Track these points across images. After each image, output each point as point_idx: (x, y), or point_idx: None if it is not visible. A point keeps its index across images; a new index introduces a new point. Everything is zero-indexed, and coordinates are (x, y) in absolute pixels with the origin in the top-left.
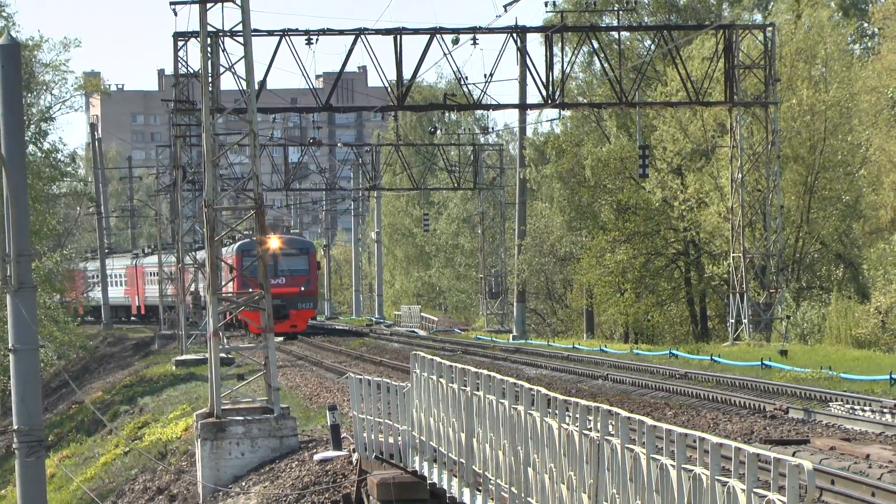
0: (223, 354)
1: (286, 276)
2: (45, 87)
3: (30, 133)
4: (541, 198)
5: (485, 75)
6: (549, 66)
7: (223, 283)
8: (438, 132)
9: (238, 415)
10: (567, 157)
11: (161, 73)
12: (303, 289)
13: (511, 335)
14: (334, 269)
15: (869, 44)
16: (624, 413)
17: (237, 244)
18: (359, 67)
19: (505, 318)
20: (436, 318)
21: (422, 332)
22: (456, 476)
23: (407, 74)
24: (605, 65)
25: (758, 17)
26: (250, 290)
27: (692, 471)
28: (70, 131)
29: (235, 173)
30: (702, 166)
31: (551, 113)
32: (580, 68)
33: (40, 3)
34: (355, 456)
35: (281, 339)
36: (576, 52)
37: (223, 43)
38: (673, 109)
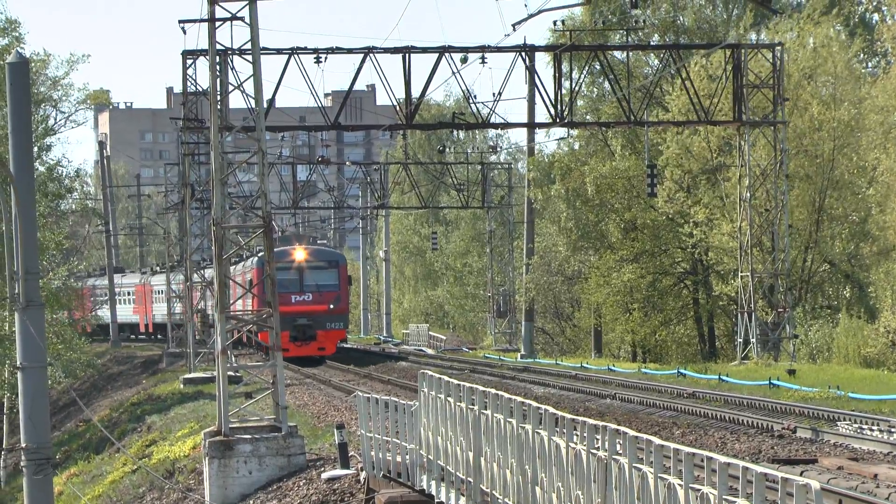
0: (231, 373)
1: (313, 291)
2: (52, 104)
3: (35, 149)
4: (548, 217)
5: (493, 94)
6: (558, 85)
7: (232, 301)
8: (447, 150)
9: (246, 433)
10: (573, 177)
11: (170, 91)
12: (332, 306)
13: (519, 354)
14: None
15: (879, 62)
16: (631, 432)
17: (257, 257)
18: (367, 86)
19: (513, 337)
20: (444, 337)
21: (430, 351)
22: (463, 495)
23: (416, 93)
24: (613, 84)
25: (762, 37)
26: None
27: (700, 490)
28: (79, 149)
29: (244, 191)
30: (711, 185)
31: (560, 132)
32: (587, 87)
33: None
34: (363, 474)
35: (301, 364)
36: (583, 71)
37: (232, 61)
38: (674, 130)
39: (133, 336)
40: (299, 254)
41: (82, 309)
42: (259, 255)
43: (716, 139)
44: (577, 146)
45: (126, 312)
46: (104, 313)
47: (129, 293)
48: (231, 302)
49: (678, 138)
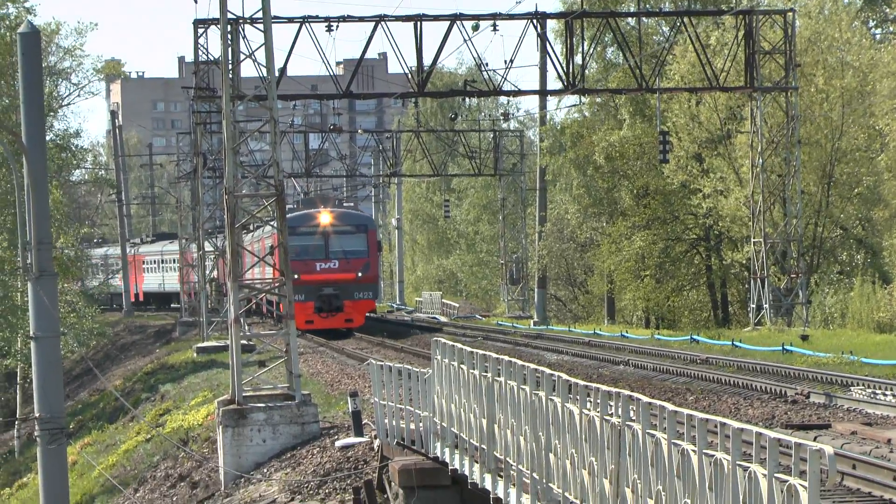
0: (244, 341)
1: (339, 258)
2: (63, 75)
3: (49, 120)
4: (560, 185)
5: (505, 61)
6: (570, 53)
7: (245, 269)
8: (459, 118)
9: (259, 402)
10: (584, 144)
11: (181, 60)
12: (360, 274)
13: (532, 321)
14: None
15: (892, 28)
16: (645, 398)
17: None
18: (379, 54)
19: (526, 304)
20: (457, 305)
21: (443, 319)
22: (477, 462)
23: (427, 61)
24: (625, 51)
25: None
26: (296, 276)
27: (713, 456)
28: (91, 119)
29: (256, 160)
30: (719, 153)
31: (571, 99)
32: (598, 55)
33: None
34: (377, 442)
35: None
36: (595, 38)
37: (243, 30)
38: (681, 98)
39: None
40: (324, 217)
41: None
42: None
43: (723, 107)
44: (587, 114)
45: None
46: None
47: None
48: (244, 270)
49: (686, 106)
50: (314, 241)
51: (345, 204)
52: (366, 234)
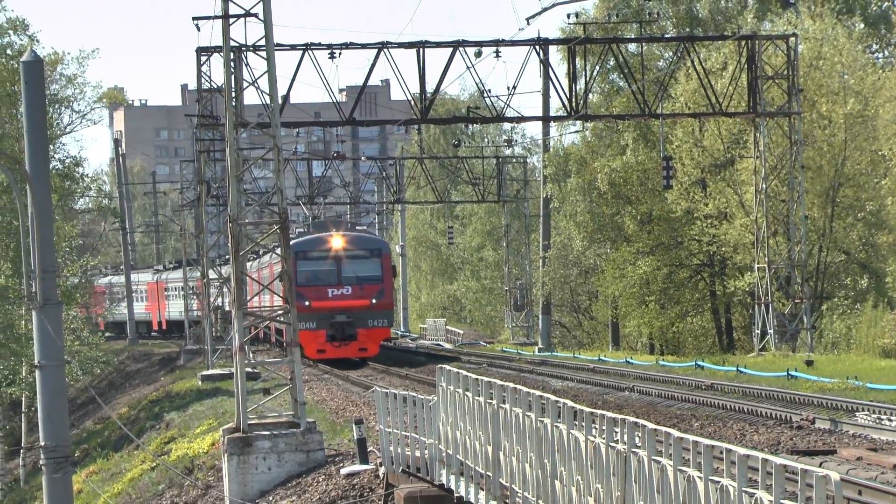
0: (249, 369)
1: (352, 284)
2: (66, 103)
3: (52, 148)
4: (564, 212)
5: (508, 88)
6: (572, 79)
7: (250, 297)
8: (462, 145)
9: (264, 429)
10: (588, 170)
11: (184, 88)
12: (374, 301)
13: (537, 347)
14: None
15: (894, 53)
16: (650, 425)
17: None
18: (382, 81)
19: (530, 331)
20: (461, 331)
21: (447, 345)
22: (483, 489)
23: (430, 87)
24: (627, 77)
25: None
26: (307, 303)
27: (719, 482)
28: (94, 147)
29: (259, 188)
30: (722, 178)
31: (574, 125)
32: (601, 81)
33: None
34: (382, 470)
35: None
36: (597, 64)
37: (246, 57)
38: (684, 125)
39: (146, 333)
40: (336, 241)
41: (98, 306)
42: (291, 243)
43: (727, 132)
44: (590, 139)
45: (139, 310)
46: (121, 310)
47: (142, 291)
48: (249, 298)
49: (690, 131)
50: (326, 266)
51: (357, 227)
52: (380, 259)
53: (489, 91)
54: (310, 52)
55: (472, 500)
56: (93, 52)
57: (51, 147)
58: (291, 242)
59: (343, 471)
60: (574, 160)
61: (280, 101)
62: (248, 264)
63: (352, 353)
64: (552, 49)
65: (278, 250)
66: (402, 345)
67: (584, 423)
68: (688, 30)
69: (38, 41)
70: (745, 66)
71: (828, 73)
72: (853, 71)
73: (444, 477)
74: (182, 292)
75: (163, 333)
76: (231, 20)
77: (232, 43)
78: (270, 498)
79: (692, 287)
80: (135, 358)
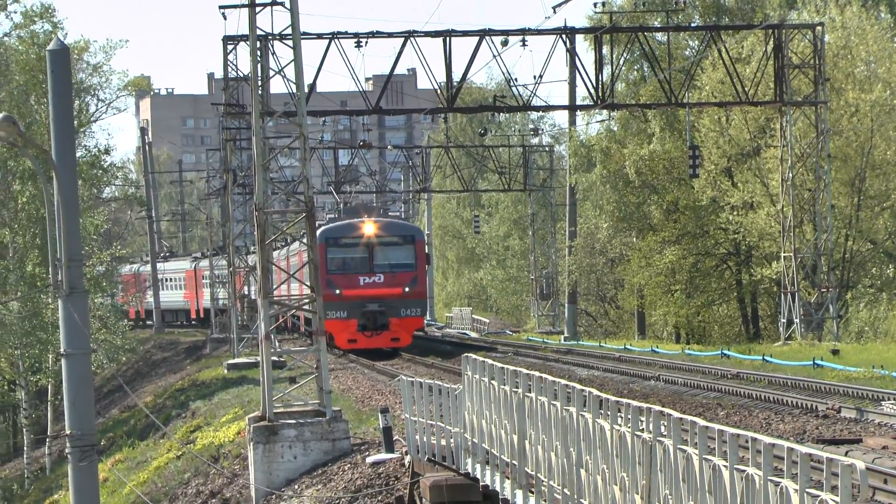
0: (275, 358)
1: (385, 272)
2: (91, 91)
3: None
4: (591, 200)
5: (534, 77)
6: (599, 68)
7: (276, 286)
8: (488, 134)
9: (290, 418)
10: (613, 159)
11: (211, 76)
12: (407, 289)
13: (562, 336)
14: None
15: None
16: (676, 414)
17: (319, 231)
18: (408, 70)
19: (556, 320)
20: (487, 320)
21: (473, 334)
22: (508, 478)
23: (456, 76)
24: (654, 65)
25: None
26: (338, 291)
27: (745, 471)
28: (121, 136)
29: (286, 176)
30: (748, 167)
31: (601, 114)
32: (627, 69)
33: (90, 9)
34: (408, 458)
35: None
36: (623, 53)
37: (272, 46)
38: (710, 114)
39: (185, 322)
40: (369, 227)
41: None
42: (323, 227)
43: (753, 121)
44: (615, 128)
45: (177, 298)
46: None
47: (179, 279)
48: (276, 286)
49: (716, 119)
50: (357, 254)
51: (390, 213)
52: (413, 246)
53: (515, 80)
54: (336, 40)
55: (498, 488)
56: (121, 41)
57: (80, 135)
58: (322, 228)
59: (368, 459)
60: (598, 150)
61: (306, 90)
62: (276, 252)
63: (384, 343)
64: (578, 38)
65: (299, 241)
66: (430, 334)
67: (609, 412)
68: (714, 19)
69: (62, 28)
70: (772, 56)
71: (854, 61)
72: (880, 59)
73: (469, 466)
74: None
75: (201, 322)
76: (257, 9)
77: (258, 31)
78: (296, 486)
79: (718, 276)
80: (161, 346)
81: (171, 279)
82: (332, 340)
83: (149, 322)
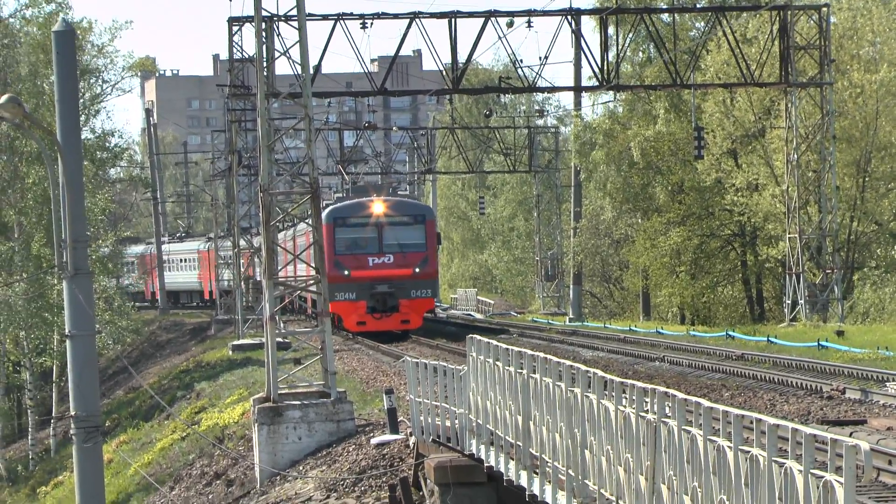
0: (280, 339)
1: (395, 252)
2: (96, 73)
3: (86, 118)
4: (595, 181)
5: (540, 58)
6: (604, 49)
7: (282, 267)
8: (493, 115)
9: (295, 399)
10: (618, 141)
11: (216, 58)
12: (417, 270)
13: (567, 317)
14: None
15: None
16: (680, 395)
17: (327, 210)
18: (413, 51)
19: (561, 301)
20: (492, 302)
21: (478, 316)
22: (513, 459)
23: (462, 57)
24: (660, 47)
25: None
26: (346, 272)
27: (749, 452)
28: (126, 117)
29: (291, 157)
30: (753, 148)
31: (606, 96)
32: (632, 51)
33: None
34: (412, 439)
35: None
36: (629, 34)
37: (278, 27)
38: (715, 95)
39: (200, 303)
40: (377, 206)
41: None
42: (330, 207)
43: (758, 102)
44: (621, 110)
45: (191, 279)
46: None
47: (193, 259)
48: (281, 267)
49: (721, 100)
50: (366, 234)
51: (399, 192)
52: (424, 225)
53: (521, 61)
54: (341, 21)
55: (503, 469)
56: (126, 23)
57: (87, 116)
58: (329, 208)
59: (373, 441)
60: (601, 132)
61: (311, 72)
62: (283, 233)
63: (394, 326)
64: (584, 19)
65: (304, 223)
66: (436, 315)
67: (614, 393)
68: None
69: (70, 8)
70: (777, 36)
71: (860, 42)
72: (887, 40)
73: (474, 447)
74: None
75: (214, 303)
76: None
77: (263, 13)
78: (301, 467)
79: (723, 257)
80: (165, 328)
81: (185, 259)
82: (340, 323)
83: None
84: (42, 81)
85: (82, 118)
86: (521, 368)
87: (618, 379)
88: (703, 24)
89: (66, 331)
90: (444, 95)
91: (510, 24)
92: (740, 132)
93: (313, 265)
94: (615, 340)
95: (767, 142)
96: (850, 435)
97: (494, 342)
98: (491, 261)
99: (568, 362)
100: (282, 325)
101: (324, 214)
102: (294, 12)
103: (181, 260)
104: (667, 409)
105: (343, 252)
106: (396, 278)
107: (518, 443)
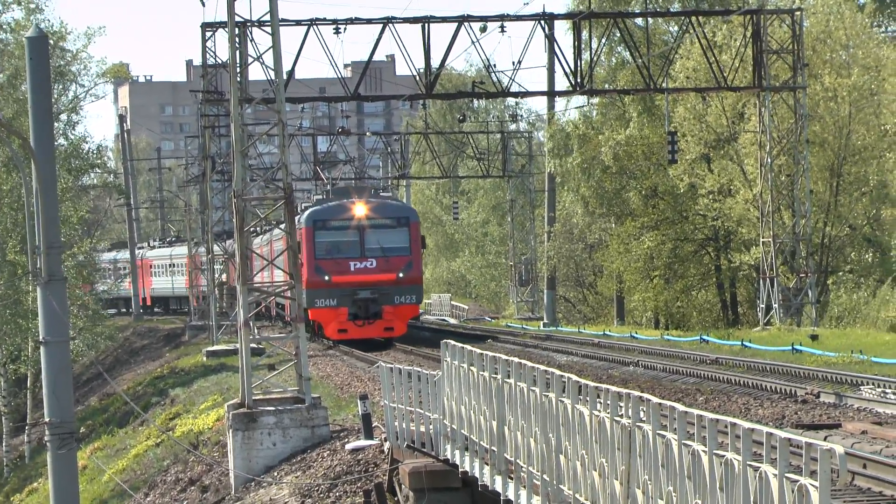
0: (254, 345)
1: (377, 256)
2: (71, 78)
3: (60, 125)
4: (568, 187)
5: (513, 63)
6: (577, 54)
7: (256, 272)
8: (467, 120)
9: (269, 405)
10: (591, 145)
11: (189, 63)
12: (401, 275)
13: (542, 322)
14: None
15: None
16: (655, 399)
17: (306, 213)
18: (387, 56)
19: (535, 306)
20: (466, 307)
21: (452, 321)
22: (488, 464)
23: (435, 62)
24: (633, 51)
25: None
26: (327, 278)
27: (724, 456)
28: (99, 123)
29: (265, 163)
30: (725, 153)
31: (579, 100)
32: (606, 56)
33: None
34: (387, 445)
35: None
36: (602, 38)
37: (251, 33)
38: (686, 100)
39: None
40: (359, 209)
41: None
42: (310, 209)
43: (730, 107)
44: (595, 115)
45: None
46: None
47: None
48: (255, 273)
49: (692, 106)
50: (348, 237)
51: (382, 193)
52: (408, 228)
53: (494, 66)
54: (315, 27)
55: (477, 474)
56: (100, 28)
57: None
58: (309, 210)
59: (348, 446)
60: (575, 136)
61: (285, 77)
62: (260, 238)
63: (377, 333)
64: (557, 23)
65: (300, 217)
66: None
67: (588, 398)
68: (693, 4)
69: (42, 11)
70: (750, 41)
71: (833, 46)
72: (859, 43)
73: (448, 452)
74: (218, 265)
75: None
76: None
77: (237, 18)
78: (275, 473)
79: (697, 261)
80: (140, 334)
81: (175, 265)
82: (320, 331)
83: (157, 308)
84: (21, 85)
85: (61, 126)
86: (496, 373)
87: (592, 384)
88: (676, 28)
89: (41, 337)
90: (417, 100)
91: (483, 29)
92: (713, 137)
93: (287, 270)
94: (589, 345)
95: (740, 146)
96: (825, 439)
97: (469, 347)
98: (465, 266)
99: (542, 367)
100: (256, 330)
101: (303, 217)
102: (267, 18)
103: (172, 265)
104: (641, 413)
105: (323, 256)
106: (379, 284)
107: (493, 448)
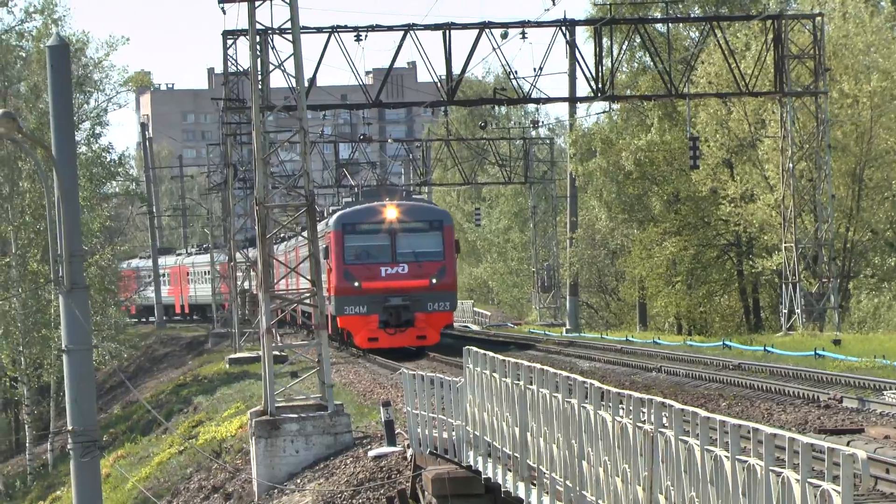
0: (276, 352)
1: (410, 261)
2: (95, 87)
3: (83, 134)
4: (590, 192)
5: (534, 69)
6: (599, 59)
7: (278, 280)
8: (488, 127)
9: (292, 412)
10: (613, 150)
11: (211, 71)
12: (434, 281)
13: (564, 328)
14: None
15: None
16: (677, 405)
17: (335, 216)
18: (408, 63)
19: (558, 312)
20: (488, 313)
21: (475, 327)
22: (510, 470)
23: (456, 69)
24: (654, 57)
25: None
26: (356, 284)
27: (746, 462)
28: (121, 131)
29: (286, 170)
30: (747, 159)
31: (601, 105)
32: (627, 61)
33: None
34: (409, 452)
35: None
36: (624, 44)
37: (272, 40)
38: (709, 104)
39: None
40: (391, 212)
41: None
42: (339, 212)
43: (752, 113)
44: (616, 118)
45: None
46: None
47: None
48: (277, 280)
49: (714, 111)
50: (378, 241)
51: (415, 196)
52: (441, 232)
53: (515, 72)
54: (336, 34)
55: (500, 481)
56: (122, 38)
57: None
58: (337, 213)
59: (371, 453)
60: (598, 140)
61: (306, 84)
62: (284, 244)
63: (409, 342)
64: (578, 29)
65: (327, 220)
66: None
67: (611, 404)
68: (714, 9)
69: (62, 23)
70: (772, 46)
71: (853, 51)
72: (880, 48)
73: (471, 458)
74: (252, 272)
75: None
76: (257, 3)
77: (258, 26)
78: (298, 480)
79: (719, 267)
80: (162, 342)
81: (205, 272)
82: (350, 339)
83: (195, 316)
84: (43, 95)
85: (85, 134)
86: (518, 380)
87: (615, 389)
88: (697, 33)
89: (63, 345)
90: (439, 107)
91: (504, 36)
92: (735, 143)
93: (310, 278)
94: (612, 351)
95: (761, 151)
96: (848, 444)
97: (491, 354)
98: (487, 272)
99: (565, 373)
100: (279, 338)
101: (332, 220)
102: (288, 25)
103: (203, 273)
104: (664, 419)
105: (353, 261)
106: (411, 290)
107: (515, 454)
